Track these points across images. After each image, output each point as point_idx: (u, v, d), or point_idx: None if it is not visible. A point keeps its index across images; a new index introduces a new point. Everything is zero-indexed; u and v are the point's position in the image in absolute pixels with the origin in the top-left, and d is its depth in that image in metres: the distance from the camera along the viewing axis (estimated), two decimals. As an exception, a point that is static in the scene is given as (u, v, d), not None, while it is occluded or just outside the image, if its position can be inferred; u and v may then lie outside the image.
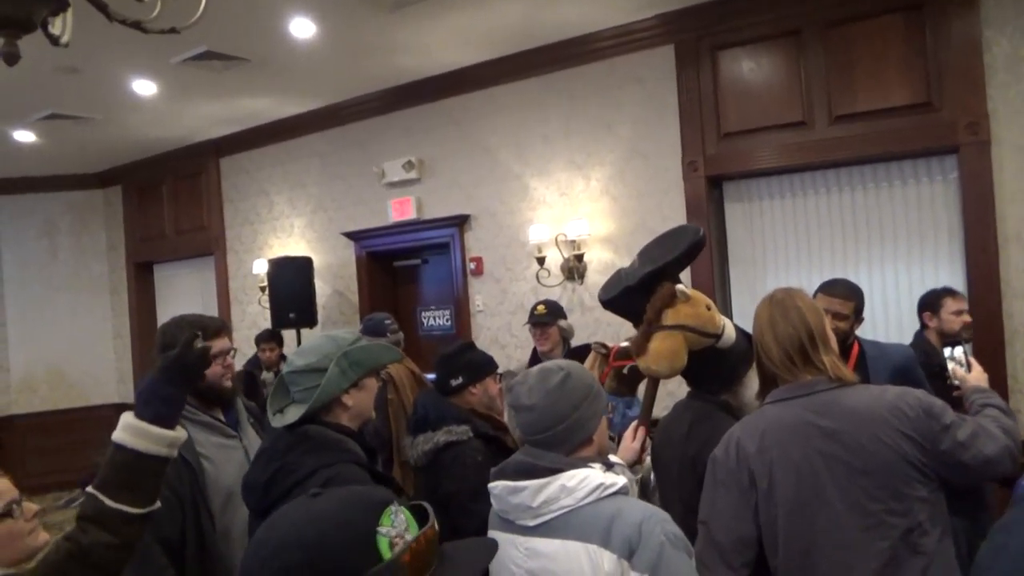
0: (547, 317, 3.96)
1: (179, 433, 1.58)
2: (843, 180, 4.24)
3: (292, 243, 6.71)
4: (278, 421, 1.90)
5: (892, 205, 4.11)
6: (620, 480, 1.59)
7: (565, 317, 4.07)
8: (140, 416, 1.53)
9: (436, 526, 1.00)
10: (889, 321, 4.06)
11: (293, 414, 1.87)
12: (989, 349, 3.78)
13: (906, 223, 4.07)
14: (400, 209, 5.91)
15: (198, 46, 4.70)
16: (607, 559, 1.49)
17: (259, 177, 6.94)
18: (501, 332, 5.47)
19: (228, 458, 2.21)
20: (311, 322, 6.14)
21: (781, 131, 4.30)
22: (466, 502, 2.28)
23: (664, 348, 2.10)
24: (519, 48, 5.08)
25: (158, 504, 1.55)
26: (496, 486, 1.64)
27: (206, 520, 2.08)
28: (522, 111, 5.29)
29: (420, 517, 1.00)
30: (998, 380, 3.77)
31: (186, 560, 2.02)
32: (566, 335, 4.02)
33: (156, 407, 1.55)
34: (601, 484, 1.55)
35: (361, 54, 5.05)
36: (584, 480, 1.55)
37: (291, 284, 6.08)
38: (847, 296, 2.92)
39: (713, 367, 2.21)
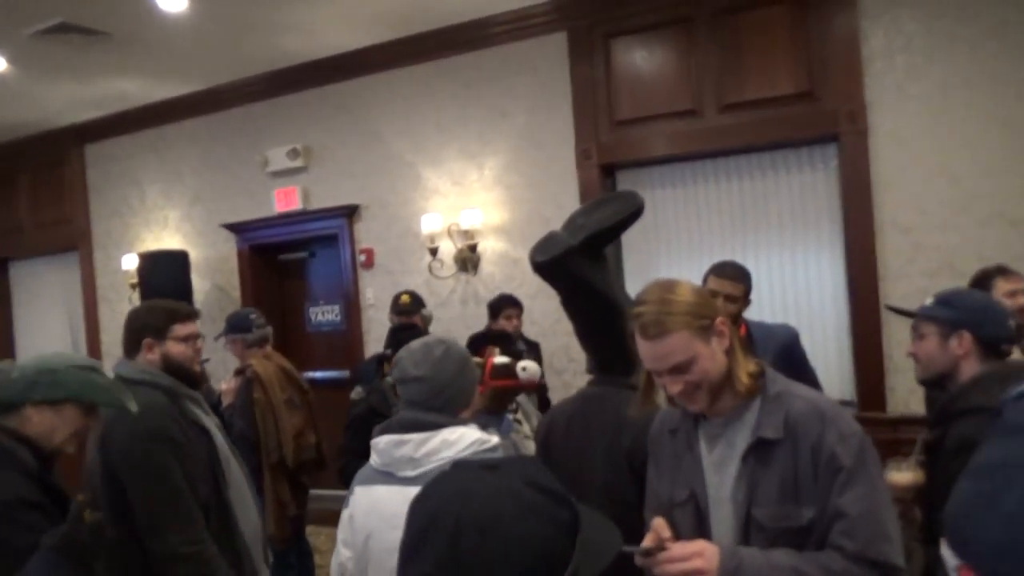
0: (412, 307, 4.19)
1: None
2: (731, 168, 4.32)
3: (167, 236, 6.26)
4: None
5: (777, 192, 4.21)
6: (494, 439, 1.76)
7: (425, 306, 4.31)
8: None
9: None
10: (775, 304, 4.15)
11: None
12: (867, 330, 3.93)
13: (790, 210, 4.18)
14: (285, 199, 5.62)
15: (52, 17, 4.29)
16: None
17: (130, 166, 6.44)
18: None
19: (215, 431, 2.40)
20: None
21: (672, 119, 4.34)
22: None
23: None
24: (412, 31, 4.93)
25: None
26: (380, 440, 1.75)
27: (222, 482, 2.28)
28: (415, 98, 5.13)
29: None
30: (875, 360, 3.93)
31: (210, 521, 2.20)
32: (426, 323, 4.24)
33: None
34: (479, 439, 1.72)
35: (241, 33, 4.76)
36: (463, 435, 1.70)
37: (165, 280, 5.65)
38: (737, 278, 2.95)
39: (628, 349, 2.12)
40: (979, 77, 3.69)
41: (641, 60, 4.41)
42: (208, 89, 5.78)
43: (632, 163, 4.54)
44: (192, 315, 2.42)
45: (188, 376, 2.37)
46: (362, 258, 5.38)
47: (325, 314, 5.76)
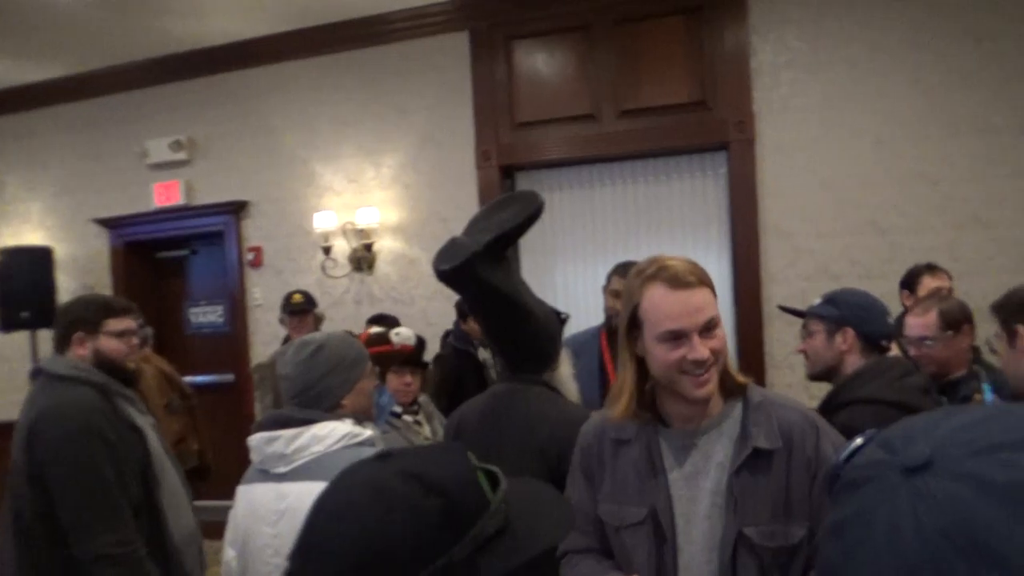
0: (306, 305, 4.06)
1: None
2: (627, 173, 4.43)
3: (28, 231, 5.76)
4: None
5: (670, 197, 4.36)
6: (366, 432, 1.77)
7: (317, 306, 4.24)
8: None
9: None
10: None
11: None
12: (751, 328, 4.12)
13: (682, 214, 4.33)
14: (165, 194, 5.30)
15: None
16: None
17: (-14, 153, 5.89)
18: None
19: (150, 432, 2.33)
20: (50, 322, 5.27)
21: (571, 123, 4.40)
22: None
23: None
24: (309, 23, 4.77)
25: None
26: (254, 438, 1.75)
27: (153, 484, 2.22)
28: (311, 91, 4.97)
29: None
30: (757, 357, 4.12)
31: (140, 523, 2.15)
32: (320, 323, 4.19)
33: None
34: (348, 433, 1.72)
35: (122, 14, 4.46)
36: (334, 430, 1.72)
37: (25, 279, 5.17)
38: None
39: (537, 346, 2.14)
40: (855, 95, 3.96)
41: (542, 64, 4.46)
42: (82, 73, 5.37)
43: (531, 165, 4.57)
44: (128, 310, 2.37)
45: (121, 373, 2.30)
46: (250, 256, 5.14)
47: (207, 315, 5.46)
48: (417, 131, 4.74)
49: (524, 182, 4.65)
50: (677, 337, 1.32)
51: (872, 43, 3.92)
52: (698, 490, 1.37)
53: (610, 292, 3.08)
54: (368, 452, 1.62)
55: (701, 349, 1.31)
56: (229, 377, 5.22)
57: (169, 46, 5.03)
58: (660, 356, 1.34)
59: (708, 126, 4.13)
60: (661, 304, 1.33)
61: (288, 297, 4.13)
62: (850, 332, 2.12)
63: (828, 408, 2.09)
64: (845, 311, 2.14)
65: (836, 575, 0.50)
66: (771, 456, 1.34)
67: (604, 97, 4.32)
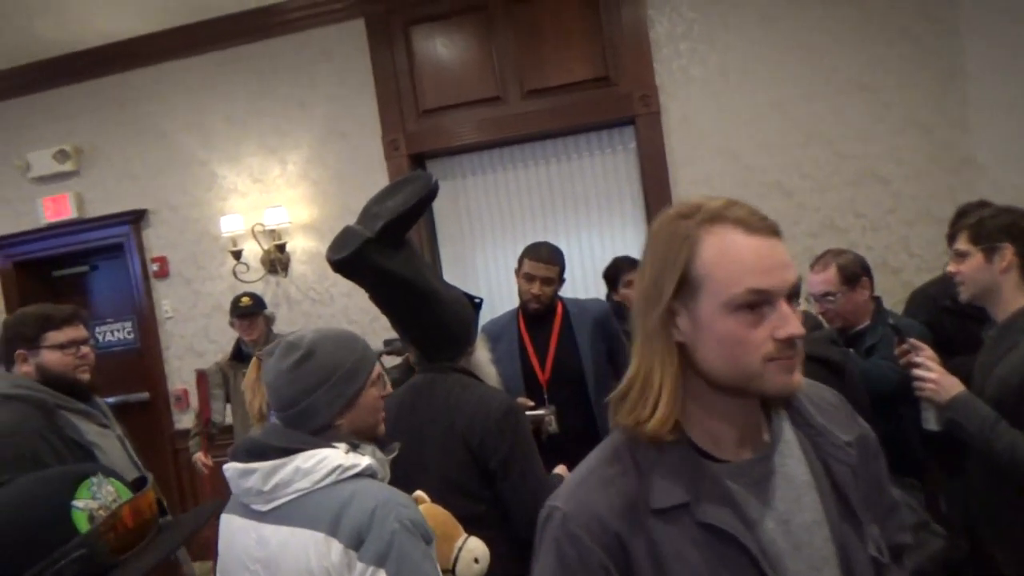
0: (254, 308, 3.97)
1: None
2: (537, 153, 4.42)
3: (-95, 259, 5.33)
4: None
5: (582, 174, 4.38)
6: (363, 461, 1.47)
7: (266, 307, 4.11)
8: None
9: (154, 495, 0.98)
10: (587, 282, 4.30)
11: None
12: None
13: (595, 191, 4.36)
14: (55, 208, 4.99)
15: None
16: (335, 549, 1.36)
17: None
18: (197, 339, 4.85)
19: (111, 446, 2.23)
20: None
21: (478, 107, 4.35)
22: None
23: None
24: (193, 18, 4.54)
25: None
26: (227, 468, 1.48)
27: None
28: (200, 90, 4.74)
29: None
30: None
31: None
32: (271, 323, 4.07)
33: None
34: (340, 466, 1.42)
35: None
36: (322, 461, 1.42)
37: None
38: (552, 260, 2.99)
39: (448, 332, 2.11)
40: (748, 61, 4.04)
41: (442, 48, 4.38)
42: (-54, 85, 4.98)
43: (441, 152, 4.51)
44: (72, 319, 2.28)
45: (71, 386, 2.21)
46: (155, 267, 4.91)
47: (115, 332, 5.19)
48: (320, 124, 4.60)
49: (435, 169, 4.59)
50: (760, 304, 0.92)
51: (759, 10, 4.00)
52: (803, 531, 0.97)
53: (522, 275, 3.05)
54: (360, 486, 1.41)
55: (795, 321, 0.92)
56: (143, 396, 4.99)
57: (43, 51, 4.71)
58: (732, 334, 0.92)
59: (613, 101, 4.15)
60: (741, 252, 0.91)
61: (236, 301, 3.98)
62: None
63: None
64: None
65: None
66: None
67: (508, 78, 4.28)
